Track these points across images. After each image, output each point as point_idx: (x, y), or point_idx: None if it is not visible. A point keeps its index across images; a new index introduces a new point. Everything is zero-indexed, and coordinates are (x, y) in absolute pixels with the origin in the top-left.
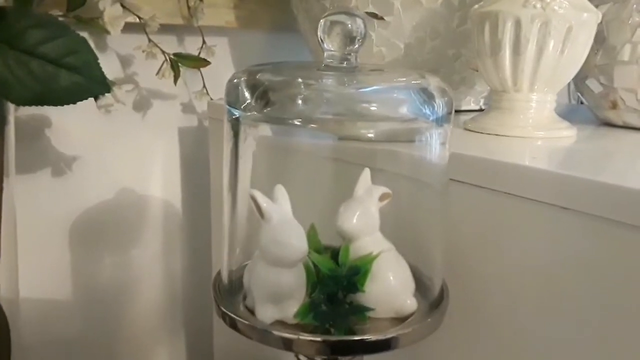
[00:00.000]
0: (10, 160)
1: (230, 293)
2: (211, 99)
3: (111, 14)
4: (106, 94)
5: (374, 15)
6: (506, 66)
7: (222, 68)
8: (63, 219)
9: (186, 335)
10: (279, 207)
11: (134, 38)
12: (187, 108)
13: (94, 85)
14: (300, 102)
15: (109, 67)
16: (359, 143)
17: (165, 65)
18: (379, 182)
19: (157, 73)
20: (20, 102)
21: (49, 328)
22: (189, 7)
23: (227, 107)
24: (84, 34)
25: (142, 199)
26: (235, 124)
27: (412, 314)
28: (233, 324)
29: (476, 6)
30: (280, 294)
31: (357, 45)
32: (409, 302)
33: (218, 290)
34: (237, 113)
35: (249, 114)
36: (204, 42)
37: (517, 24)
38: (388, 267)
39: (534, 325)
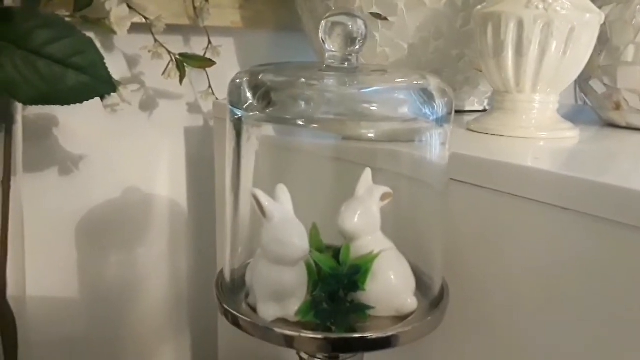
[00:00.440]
0: (18, 159)
1: (232, 291)
2: (217, 99)
3: (117, 14)
4: (112, 94)
5: (377, 16)
6: (509, 67)
7: (227, 68)
8: (69, 218)
9: (191, 334)
10: (281, 206)
11: (140, 38)
12: (193, 108)
13: (100, 85)
14: (301, 102)
15: (116, 67)
16: (360, 143)
17: (171, 65)
18: (380, 181)
19: (163, 73)
20: (27, 101)
21: (55, 326)
22: (194, 8)
23: (230, 107)
24: (91, 34)
25: (147, 198)
26: (238, 124)
27: (412, 313)
28: (235, 322)
29: (479, 7)
30: (282, 292)
31: (358, 46)
32: (410, 301)
33: (221, 289)
34: (239, 113)
35: (251, 114)
36: (209, 42)
37: (520, 25)
38: (389, 266)
39: (534, 326)
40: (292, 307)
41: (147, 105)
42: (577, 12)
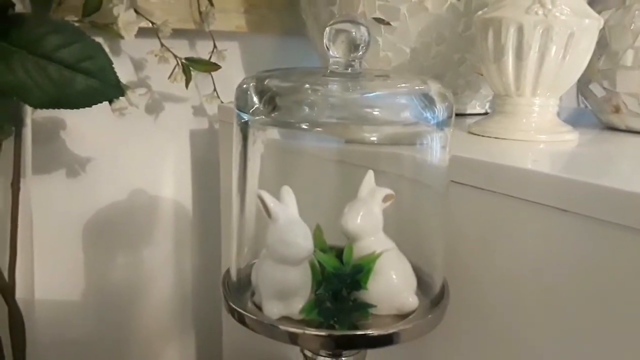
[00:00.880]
0: (27, 162)
1: (238, 290)
2: (222, 102)
3: (125, 19)
4: (120, 98)
5: (380, 21)
6: (509, 71)
7: (232, 72)
8: (76, 219)
9: (196, 334)
10: (286, 207)
11: (147, 43)
12: (198, 111)
13: (109, 89)
14: (306, 106)
15: (123, 70)
16: (363, 146)
17: (177, 69)
18: (383, 183)
19: (169, 77)
20: (38, 105)
21: (62, 326)
22: (200, 13)
23: (237, 111)
24: (99, 39)
25: (153, 200)
26: (244, 128)
27: (413, 311)
28: (241, 319)
29: (480, 12)
30: (286, 291)
31: (361, 52)
32: (411, 300)
33: (227, 288)
34: (246, 117)
35: (257, 118)
36: (215, 46)
37: (520, 30)
38: (390, 266)
39: (532, 325)
40: (296, 306)
41: (153, 108)
42: (576, 18)
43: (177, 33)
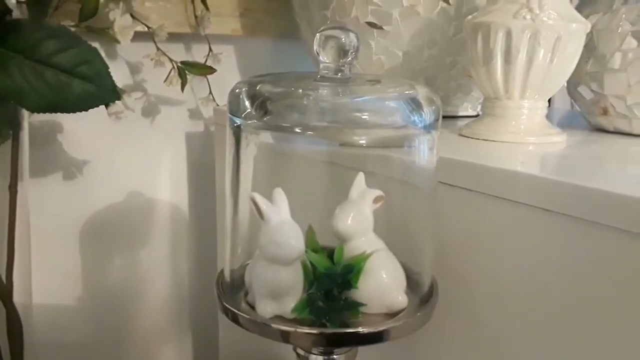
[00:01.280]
0: (25, 165)
1: (232, 290)
2: (217, 105)
3: (121, 24)
4: (116, 102)
5: (373, 25)
6: (498, 74)
7: (228, 75)
8: (73, 222)
9: (193, 335)
10: (278, 209)
11: (143, 46)
12: (194, 114)
13: (105, 93)
14: (297, 111)
15: (119, 74)
16: (353, 149)
17: (173, 72)
18: (373, 185)
19: (165, 80)
20: (35, 109)
21: (58, 328)
22: (196, 17)
23: (230, 115)
24: (95, 44)
25: (150, 202)
26: (237, 131)
27: (403, 310)
28: (235, 319)
29: (469, 17)
30: (278, 290)
31: (350, 58)
32: (401, 299)
33: (221, 288)
34: (238, 121)
35: (249, 122)
36: (210, 50)
37: (508, 35)
38: (381, 266)
39: (518, 322)
40: (288, 305)
41: (149, 111)
42: (563, 22)
43: (173, 37)
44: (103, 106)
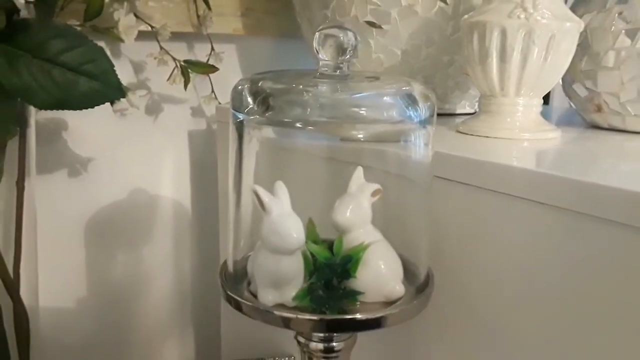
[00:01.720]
0: (31, 161)
1: (235, 280)
2: (219, 103)
3: (125, 23)
4: (121, 99)
5: (372, 24)
6: (493, 73)
7: (229, 73)
8: (78, 218)
9: (195, 330)
10: (279, 201)
11: (146, 46)
12: (196, 112)
13: (111, 91)
14: (297, 106)
15: (123, 73)
16: (352, 143)
17: (176, 71)
18: (371, 179)
19: (169, 79)
20: (42, 106)
21: (63, 322)
22: (198, 16)
23: (232, 111)
24: (100, 43)
25: (153, 199)
26: (240, 127)
27: (400, 299)
28: (238, 307)
29: (466, 16)
30: (280, 279)
31: (348, 56)
32: (398, 288)
33: (224, 278)
34: (241, 117)
35: (251, 117)
36: (212, 49)
37: (503, 34)
38: (378, 256)
39: (511, 311)
40: (289, 294)
41: (153, 109)
42: (557, 21)
43: (176, 36)
44: (108, 104)
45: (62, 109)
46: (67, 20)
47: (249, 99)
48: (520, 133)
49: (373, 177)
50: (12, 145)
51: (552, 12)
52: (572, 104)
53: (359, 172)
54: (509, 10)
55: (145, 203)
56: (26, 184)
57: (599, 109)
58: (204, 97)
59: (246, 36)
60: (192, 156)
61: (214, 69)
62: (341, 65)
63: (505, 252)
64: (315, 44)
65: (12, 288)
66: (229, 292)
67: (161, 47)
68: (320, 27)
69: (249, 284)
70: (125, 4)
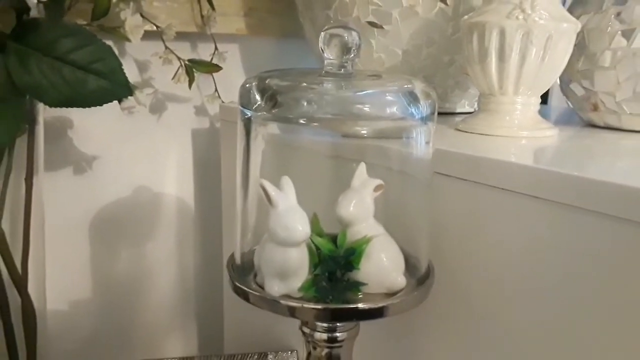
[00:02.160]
0: (40, 158)
1: (242, 272)
2: (223, 102)
3: (132, 23)
4: (129, 97)
5: (373, 24)
6: (492, 72)
7: (233, 73)
8: (83, 215)
9: (198, 326)
10: (286, 195)
11: (151, 45)
12: (200, 111)
13: (119, 89)
14: (303, 103)
15: (127, 72)
16: (355, 140)
17: (180, 70)
18: (373, 175)
19: (173, 78)
20: (53, 104)
21: (69, 317)
22: (202, 16)
23: (240, 108)
24: (106, 42)
25: (157, 196)
26: (248, 123)
27: (401, 290)
28: (246, 297)
29: (465, 17)
30: (286, 270)
31: (352, 55)
32: (399, 279)
33: (232, 269)
34: (249, 113)
35: (259, 114)
36: (216, 48)
37: (502, 34)
38: (381, 249)
39: (509, 302)
40: (295, 284)
41: (157, 108)
42: (554, 22)
43: (180, 36)
44: (114, 103)
45: (72, 106)
46: (75, 19)
47: (257, 96)
48: (518, 131)
49: (375, 173)
50: (21, 143)
51: (550, 13)
52: (569, 103)
53: (362, 168)
54: (508, 11)
55: (149, 200)
56: (34, 180)
57: (595, 107)
58: (207, 96)
59: (249, 36)
60: (195, 154)
61: (217, 68)
62: (345, 64)
63: (503, 246)
64: (320, 43)
65: (20, 284)
66: (236, 283)
67: (166, 47)
68: (326, 27)
69: (255, 276)
70: (132, 4)
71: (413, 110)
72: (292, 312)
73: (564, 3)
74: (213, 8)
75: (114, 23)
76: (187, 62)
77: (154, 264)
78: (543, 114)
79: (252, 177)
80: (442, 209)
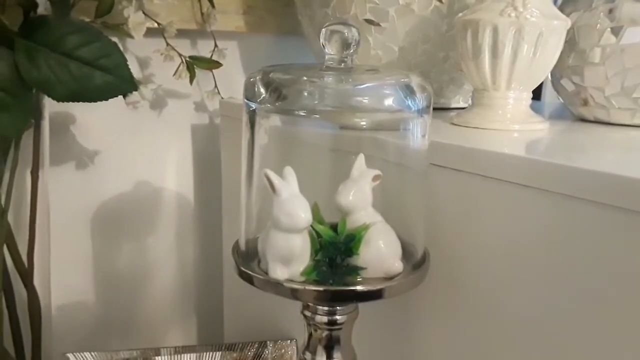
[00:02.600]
0: (45, 153)
1: (246, 259)
2: (222, 98)
3: (135, 20)
4: (134, 92)
5: (371, 22)
6: (486, 68)
7: (232, 69)
8: (85, 209)
9: (198, 318)
10: (288, 184)
11: (152, 42)
12: (200, 107)
13: (124, 84)
14: (305, 96)
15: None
16: (354, 133)
17: (181, 66)
18: (372, 165)
19: (174, 74)
20: (60, 98)
21: (74, 309)
22: (202, 14)
23: (245, 100)
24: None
25: (157, 191)
26: (252, 115)
27: (399, 275)
28: (250, 281)
29: (460, 15)
30: (289, 255)
31: (352, 50)
32: (397, 264)
33: (237, 255)
34: (253, 106)
35: (263, 106)
36: (216, 45)
37: (495, 31)
38: (379, 236)
39: (502, 290)
40: (297, 269)
41: (157, 104)
42: (545, 19)
43: (180, 33)
44: (116, 98)
45: (79, 101)
46: (79, 16)
47: (262, 89)
48: (510, 124)
49: (374, 164)
50: (26, 137)
51: (541, 11)
52: (560, 98)
53: (361, 159)
54: (501, 9)
55: (149, 195)
56: (40, 174)
57: (585, 102)
58: (207, 92)
59: (248, 33)
60: (195, 149)
61: (218, 64)
62: (345, 59)
63: (495, 233)
64: (321, 39)
65: (26, 277)
66: (242, 268)
67: (167, 43)
68: (327, 24)
69: (259, 262)
70: (134, 1)
71: (410, 102)
72: (294, 294)
73: (555, 1)
74: (213, 6)
75: (117, 20)
76: (188, 59)
77: (154, 256)
78: (536, 109)
79: (256, 167)
80: (437, 198)
